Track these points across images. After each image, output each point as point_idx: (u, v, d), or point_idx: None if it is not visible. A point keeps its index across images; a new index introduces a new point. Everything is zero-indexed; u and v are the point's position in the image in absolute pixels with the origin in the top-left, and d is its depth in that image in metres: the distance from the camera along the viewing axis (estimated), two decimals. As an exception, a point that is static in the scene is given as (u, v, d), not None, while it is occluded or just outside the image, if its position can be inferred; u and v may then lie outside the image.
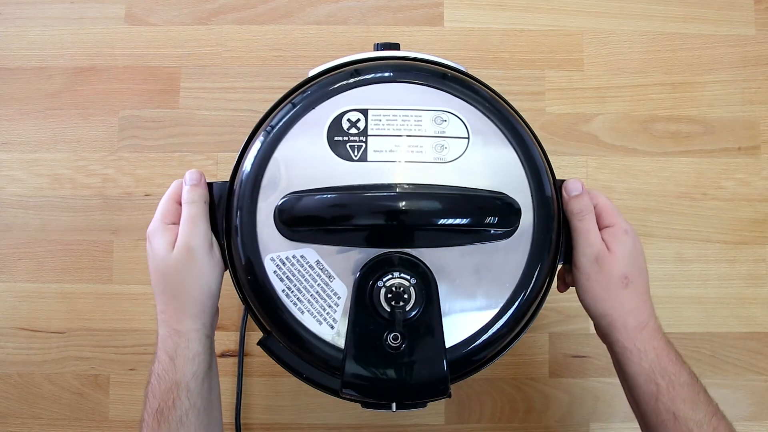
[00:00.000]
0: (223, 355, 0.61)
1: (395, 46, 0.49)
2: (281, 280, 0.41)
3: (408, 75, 0.44)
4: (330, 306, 0.41)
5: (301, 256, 0.41)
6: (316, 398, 0.60)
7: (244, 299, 0.44)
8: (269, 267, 0.41)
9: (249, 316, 0.46)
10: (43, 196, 0.63)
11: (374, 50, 0.49)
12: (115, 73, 0.65)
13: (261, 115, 0.46)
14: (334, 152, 0.42)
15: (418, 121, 0.43)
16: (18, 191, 0.64)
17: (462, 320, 0.41)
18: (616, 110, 0.65)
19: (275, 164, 0.42)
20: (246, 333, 0.61)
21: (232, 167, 0.45)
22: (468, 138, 0.43)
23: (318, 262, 0.41)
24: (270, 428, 0.61)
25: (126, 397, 0.61)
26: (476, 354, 0.42)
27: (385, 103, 0.43)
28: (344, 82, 0.44)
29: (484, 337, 0.41)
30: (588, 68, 0.66)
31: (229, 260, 0.44)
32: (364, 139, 0.43)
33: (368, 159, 0.42)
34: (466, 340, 0.41)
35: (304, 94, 0.44)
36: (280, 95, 0.47)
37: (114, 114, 0.65)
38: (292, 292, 0.41)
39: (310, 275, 0.41)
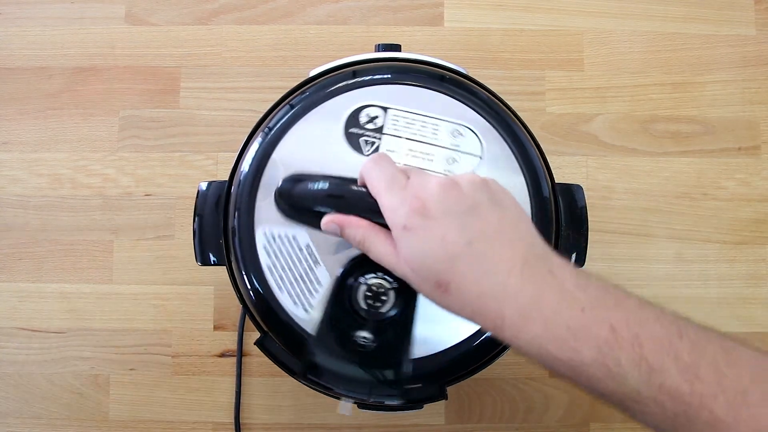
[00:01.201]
0: (222, 355, 0.61)
1: (396, 48, 0.49)
2: (269, 255, 0.42)
3: (435, 82, 0.45)
4: (309, 291, 0.41)
5: (293, 237, 0.42)
6: (316, 398, 0.60)
7: (241, 299, 0.44)
8: (260, 240, 0.42)
9: (247, 317, 0.46)
10: (44, 196, 0.63)
11: (375, 51, 0.49)
12: (115, 73, 0.65)
13: (261, 115, 0.47)
14: (347, 143, 0.43)
15: (435, 129, 0.43)
16: (18, 191, 0.64)
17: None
18: (616, 110, 0.65)
19: (288, 144, 0.42)
20: (245, 333, 0.61)
21: (231, 167, 0.45)
22: (481, 157, 0.43)
23: (308, 246, 0.41)
24: (270, 428, 0.61)
25: (126, 397, 0.61)
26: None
27: (406, 105, 0.44)
28: (374, 77, 0.44)
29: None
30: (588, 68, 0.66)
31: (227, 260, 0.44)
32: (378, 137, 0.43)
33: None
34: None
35: (334, 79, 0.45)
36: (280, 95, 0.47)
37: (114, 114, 0.65)
38: (276, 269, 0.42)
39: (297, 257, 0.41)
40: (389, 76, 0.45)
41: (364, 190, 0.36)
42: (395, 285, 0.39)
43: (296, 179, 0.41)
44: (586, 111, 0.65)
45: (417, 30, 0.66)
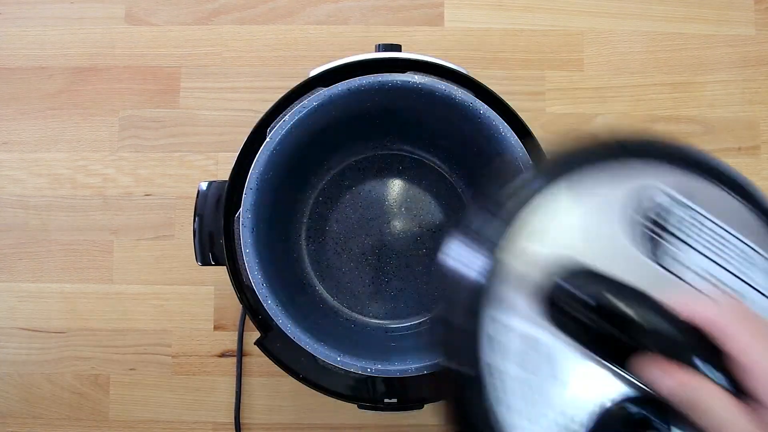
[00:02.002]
0: (222, 355, 0.61)
1: (397, 48, 0.49)
2: (503, 356, 0.27)
3: (747, 195, 0.32)
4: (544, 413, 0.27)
5: (536, 339, 0.27)
6: (317, 398, 0.60)
7: (242, 299, 0.44)
8: (487, 326, 0.27)
9: (247, 317, 0.46)
10: (43, 196, 0.63)
11: (376, 51, 0.49)
12: (115, 73, 0.65)
13: (261, 115, 0.47)
14: (628, 231, 0.29)
15: (747, 261, 0.30)
16: (18, 191, 0.64)
17: None
18: (617, 110, 0.65)
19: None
20: (245, 333, 0.61)
21: (231, 167, 0.45)
22: None
23: (548, 349, 0.27)
24: (270, 428, 0.61)
25: (126, 397, 0.61)
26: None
27: (708, 209, 0.31)
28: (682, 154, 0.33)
29: None
30: (588, 68, 0.66)
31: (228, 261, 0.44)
32: (670, 240, 0.30)
33: (670, 268, 0.29)
34: None
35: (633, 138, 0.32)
36: (280, 95, 0.47)
37: (114, 114, 0.65)
38: (509, 376, 0.27)
39: (540, 371, 0.27)
40: (692, 162, 0.33)
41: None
42: None
43: (591, 277, 0.28)
44: (586, 111, 0.65)
45: (417, 30, 0.66)
